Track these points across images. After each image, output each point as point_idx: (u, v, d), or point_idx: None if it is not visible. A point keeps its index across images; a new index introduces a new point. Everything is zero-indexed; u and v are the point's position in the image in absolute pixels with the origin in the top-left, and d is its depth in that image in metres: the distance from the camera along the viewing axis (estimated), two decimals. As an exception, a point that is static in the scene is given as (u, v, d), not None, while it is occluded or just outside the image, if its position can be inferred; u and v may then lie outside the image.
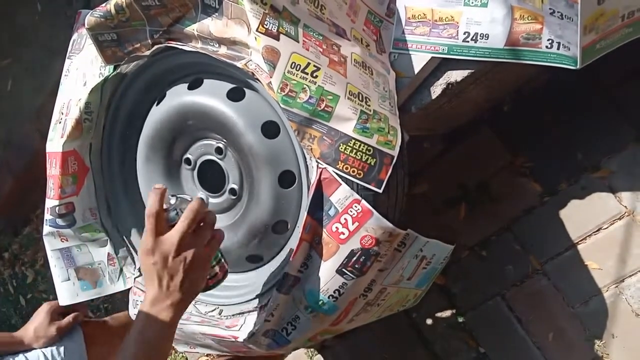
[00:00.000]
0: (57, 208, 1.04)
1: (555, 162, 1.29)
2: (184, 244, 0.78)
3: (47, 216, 1.06)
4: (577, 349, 1.27)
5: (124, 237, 1.12)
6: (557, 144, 1.29)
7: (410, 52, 1.01)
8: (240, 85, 0.97)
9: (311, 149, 0.85)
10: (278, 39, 0.81)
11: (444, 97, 1.04)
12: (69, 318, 1.11)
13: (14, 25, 2.10)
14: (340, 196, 0.86)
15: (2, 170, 2.32)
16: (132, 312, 1.11)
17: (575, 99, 1.27)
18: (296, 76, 0.82)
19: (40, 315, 1.10)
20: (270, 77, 0.82)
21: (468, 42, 0.96)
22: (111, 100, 1.06)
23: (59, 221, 1.05)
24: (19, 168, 2.27)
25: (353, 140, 0.84)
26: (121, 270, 1.11)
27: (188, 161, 1.05)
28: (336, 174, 0.85)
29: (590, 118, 1.25)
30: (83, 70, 1.12)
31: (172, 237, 0.77)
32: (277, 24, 0.82)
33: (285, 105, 0.83)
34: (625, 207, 1.22)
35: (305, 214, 0.87)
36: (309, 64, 0.82)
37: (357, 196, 0.85)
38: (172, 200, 0.79)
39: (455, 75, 1.01)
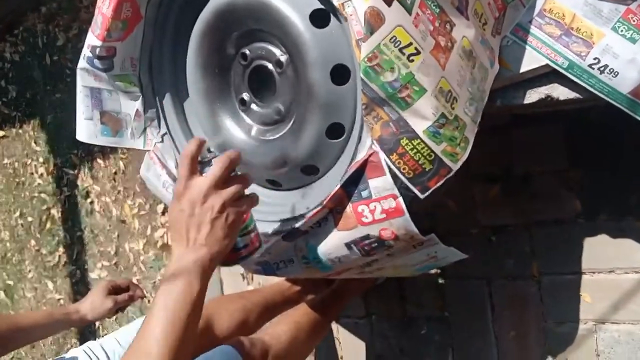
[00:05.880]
0: (97, 49, 0.97)
1: (608, 192, 1.20)
2: (214, 192, 0.70)
3: (86, 52, 0.99)
4: (529, 356, 1.32)
5: (157, 98, 1.06)
6: (619, 176, 1.19)
7: (527, 47, 0.87)
8: (327, 9, 0.84)
9: (372, 127, 0.77)
10: (390, 5, 0.68)
11: (536, 105, 0.92)
12: (125, 295, 1.12)
13: None
14: (380, 184, 0.80)
15: None
16: (144, 173, 1.11)
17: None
18: (391, 52, 0.70)
19: (98, 289, 1.12)
20: (364, 41, 0.70)
21: (593, 69, 0.82)
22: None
23: (97, 62, 0.99)
24: None
25: (418, 140, 0.76)
26: (144, 130, 1.08)
27: (244, 56, 0.95)
28: (386, 163, 0.78)
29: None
30: None
31: (202, 182, 0.70)
32: (396, -17, 0.67)
33: (365, 76, 0.72)
34: (650, 265, 1.18)
35: (339, 185, 0.82)
36: (410, 44, 0.70)
37: (396, 192, 0.79)
38: (209, 155, 0.72)
39: (560, 92, 0.88)
